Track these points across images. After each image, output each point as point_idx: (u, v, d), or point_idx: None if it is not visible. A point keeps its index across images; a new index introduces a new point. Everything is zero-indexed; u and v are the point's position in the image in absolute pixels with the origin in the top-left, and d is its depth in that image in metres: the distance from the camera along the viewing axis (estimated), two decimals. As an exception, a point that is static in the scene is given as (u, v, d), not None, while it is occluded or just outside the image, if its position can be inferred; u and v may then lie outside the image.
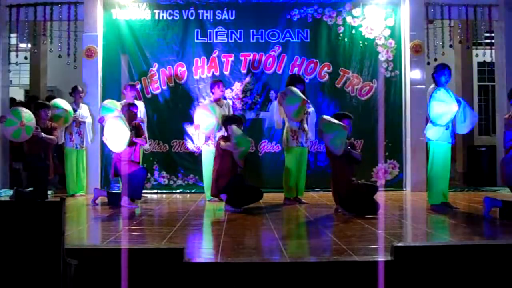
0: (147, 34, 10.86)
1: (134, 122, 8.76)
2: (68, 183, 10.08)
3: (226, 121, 8.44)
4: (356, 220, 6.86)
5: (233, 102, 10.49)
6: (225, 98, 9.80)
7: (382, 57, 10.89)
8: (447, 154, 7.78)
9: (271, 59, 10.84)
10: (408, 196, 10.08)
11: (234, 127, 8.13)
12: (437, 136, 7.73)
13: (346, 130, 7.38)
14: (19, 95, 14.80)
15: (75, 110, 9.98)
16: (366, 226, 6.41)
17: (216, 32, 10.86)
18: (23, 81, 14.78)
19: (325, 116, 7.72)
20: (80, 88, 10.20)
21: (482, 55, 11.89)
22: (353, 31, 10.93)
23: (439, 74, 7.81)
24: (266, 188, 9.94)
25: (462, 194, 9.95)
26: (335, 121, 7.47)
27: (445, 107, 7.51)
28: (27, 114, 8.64)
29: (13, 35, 11.31)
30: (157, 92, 10.77)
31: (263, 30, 10.87)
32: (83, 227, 6.87)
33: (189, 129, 10.50)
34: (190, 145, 10.68)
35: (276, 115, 8.80)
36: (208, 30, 10.85)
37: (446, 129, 7.69)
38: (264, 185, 10.10)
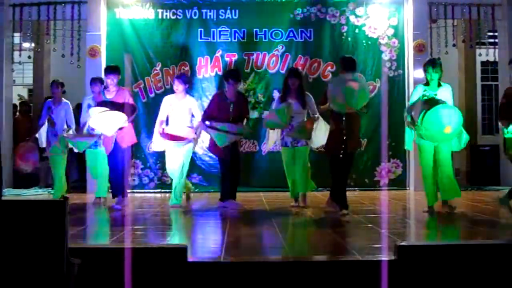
0: (150, 33, 10.87)
1: None
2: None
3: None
4: (359, 219, 6.86)
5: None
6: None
7: (385, 56, 10.89)
8: (423, 153, 7.41)
9: (274, 58, 10.84)
10: (411, 195, 10.07)
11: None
12: (408, 140, 7.67)
13: None
14: (22, 94, 14.82)
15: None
16: (370, 225, 6.41)
17: (220, 31, 10.86)
18: (27, 80, 14.78)
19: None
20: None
21: (485, 54, 11.85)
22: (357, 31, 10.92)
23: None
24: (270, 187, 9.98)
25: (465, 194, 9.90)
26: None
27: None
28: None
29: (17, 34, 11.34)
30: (160, 91, 10.77)
31: (267, 30, 10.87)
32: (87, 227, 6.88)
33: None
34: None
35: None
36: (212, 30, 10.86)
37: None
38: (268, 185, 10.15)
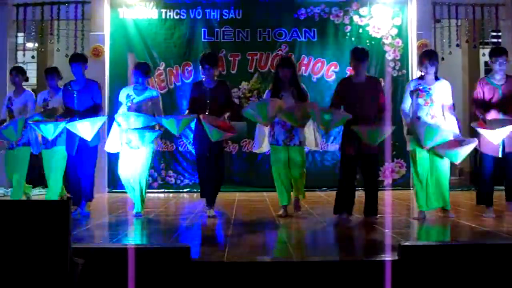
0: (154, 33, 10.89)
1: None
2: None
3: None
4: (363, 219, 6.86)
5: (239, 101, 10.49)
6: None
7: (389, 56, 10.88)
8: (413, 158, 7.33)
9: (278, 58, 10.80)
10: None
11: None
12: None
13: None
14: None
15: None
16: (373, 225, 6.40)
17: (223, 31, 10.88)
18: (30, 81, 14.77)
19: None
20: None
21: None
22: (360, 30, 10.92)
23: None
24: (273, 187, 9.93)
25: (468, 194, 9.91)
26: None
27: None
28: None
29: (20, 34, 11.38)
30: (164, 91, 10.76)
31: (270, 29, 10.88)
32: (90, 227, 6.88)
33: None
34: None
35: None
36: (215, 30, 10.88)
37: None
38: (271, 184, 10.08)
